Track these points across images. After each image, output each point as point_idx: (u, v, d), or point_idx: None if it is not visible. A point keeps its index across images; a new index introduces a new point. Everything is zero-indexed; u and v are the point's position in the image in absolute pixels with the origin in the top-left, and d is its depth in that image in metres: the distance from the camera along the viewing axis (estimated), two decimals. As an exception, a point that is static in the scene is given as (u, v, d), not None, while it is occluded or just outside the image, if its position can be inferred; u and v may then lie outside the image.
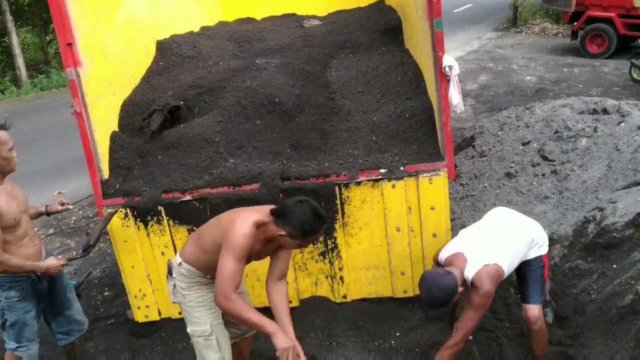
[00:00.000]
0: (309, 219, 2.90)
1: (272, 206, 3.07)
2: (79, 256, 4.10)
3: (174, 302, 3.36)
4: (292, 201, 2.98)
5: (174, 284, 3.27)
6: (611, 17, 13.03)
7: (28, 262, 3.45)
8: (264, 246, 3.09)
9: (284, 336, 2.90)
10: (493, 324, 3.99)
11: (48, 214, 3.89)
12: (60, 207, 3.89)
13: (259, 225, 2.98)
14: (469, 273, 3.16)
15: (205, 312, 3.26)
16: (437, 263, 3.46)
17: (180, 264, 3.21)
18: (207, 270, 3.17)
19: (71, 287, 4.05)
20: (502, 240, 3.35)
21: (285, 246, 3.09)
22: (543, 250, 3.51)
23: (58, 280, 3.84)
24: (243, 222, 2.94)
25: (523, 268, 3.48)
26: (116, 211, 4.01)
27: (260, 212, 3.04)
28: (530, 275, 3.47)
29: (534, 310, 3.42)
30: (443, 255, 3.36)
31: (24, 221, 3.51)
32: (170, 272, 3.30)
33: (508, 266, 3.27)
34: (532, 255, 3.46)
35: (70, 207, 3.98)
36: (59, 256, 3.75)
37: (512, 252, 3.32)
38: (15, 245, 3.45)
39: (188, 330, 3.33)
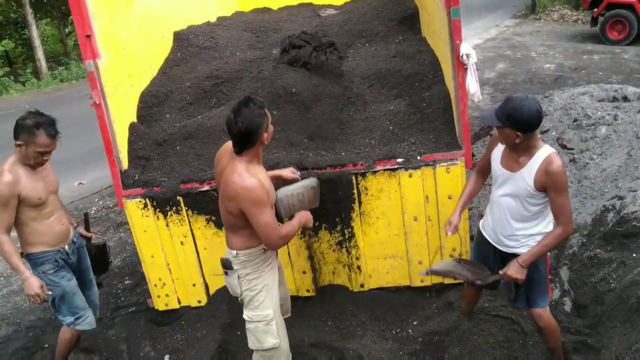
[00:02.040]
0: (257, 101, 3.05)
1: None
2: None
3: (237, 294, 3.33)
4: (232, 112, 3.02)
5: (238, 275, 3.26)
6: (632, 3, 12.81)
7: (15, 258, 3.52)
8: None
9: None
10: (511, 311, 3.98)
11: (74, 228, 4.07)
12: (84, 232, 4.21)
13: (250, 161, 3.07)
14: (545, 150, 3.01)
15: (269, 297, 3.28)
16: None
17: (237, 254, 3.22)
18: (247, 235, 3.20)
19: (91, 271, 4.16)
20: None
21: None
22: None
23: (84, 260, 4.04)
24: (244, 170, 3.01)
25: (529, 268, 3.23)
26: None
27: (235, 157, 3.08)
28: (535, 275, 3.23)
29: (540, 312, 3.32)
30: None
31: (51, 201, 3.69)
32: (228, 268, 3.28)
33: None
34: None
35: (94, 235, 4.30)
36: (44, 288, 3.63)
37: None
38: (41, 222, 3.64)
39: (246, 315, 3.33)
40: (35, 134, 3.45)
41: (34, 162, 3.54)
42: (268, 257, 3.31)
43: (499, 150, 3.22)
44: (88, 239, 4.21)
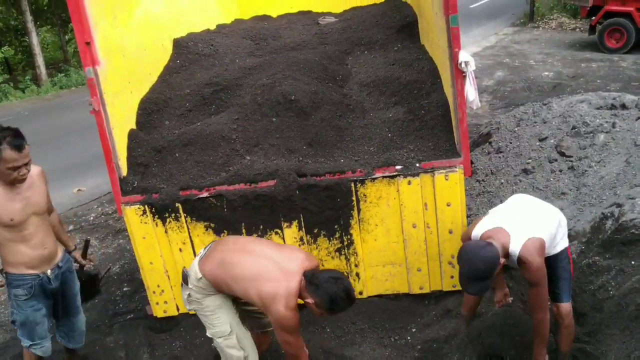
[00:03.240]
0: (339, 297, 3.07)
1: (303, 254, 3.28)
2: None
3: (189, 310, 3.44)
4: (327, 275, 3.14)
5: (189, 294, 3.35)
6: (630, 11, 12.84)
7: None
8: None
9: None
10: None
11: (70, 252, 4.00)
12: (79, 259, 4.09)
13: (298, 291, 3.14)
14: (515, 247, 3.09)
15: (223, 313, 3.34)
16: (469, 239, 3.39)
17: (201, 278, 3.27)
18: (226, 292, 3.32)
19: (79, 298, 4.02)
20: (537, 216, 3.32)
21: (311, 310, 3.24)
22: (566, 241, 3.46)
23: (70, 285, 3.89)
24: (288, 297, 3.05)
25: (551, 264, 3.36)
26: None
27: (293, 273, 3.14)
28: (559, 271, 3.39)
29: (566, 307, 3.40)
30: (478, 232, 3.27)
31: (32, 223, 3.51)
32: (185, 281, 3.37)
33: (548, 242, 3.23)
34: (559, 248, 3.40)
35: (90, 264, 4.19)
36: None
37: (549, 228, 3.28)
38: (20, 244, 3.50)
39: (208, 334, 3.42)
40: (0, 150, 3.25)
41: (11, 179, 3.35)
42: (221, 299, 3.38)
43: None
44: (81, 266, 4.13)
